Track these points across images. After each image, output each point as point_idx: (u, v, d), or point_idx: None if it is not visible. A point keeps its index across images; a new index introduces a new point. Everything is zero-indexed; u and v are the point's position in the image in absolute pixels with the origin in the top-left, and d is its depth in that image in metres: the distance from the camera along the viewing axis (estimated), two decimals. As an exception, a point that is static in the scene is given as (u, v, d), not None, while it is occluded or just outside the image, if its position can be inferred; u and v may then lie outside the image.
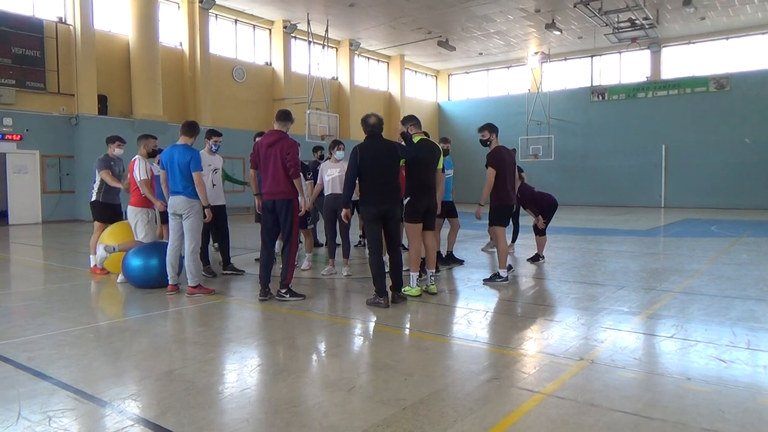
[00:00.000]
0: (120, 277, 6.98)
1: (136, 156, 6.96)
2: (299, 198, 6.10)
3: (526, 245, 10.04)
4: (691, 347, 4.24)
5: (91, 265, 7.76)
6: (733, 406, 3.14)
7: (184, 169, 6.08)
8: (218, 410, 3.12)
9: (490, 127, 6.98)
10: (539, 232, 8.61)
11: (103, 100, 18.20)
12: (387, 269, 5.89)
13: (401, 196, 6.07)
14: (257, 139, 7.50)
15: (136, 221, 6.89)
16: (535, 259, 8.59)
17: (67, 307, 5.73)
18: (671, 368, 3.79)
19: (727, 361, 3.89)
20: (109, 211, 7.70)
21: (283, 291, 5.94)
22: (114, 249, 6.91)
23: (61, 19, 17.54)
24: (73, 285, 7.06)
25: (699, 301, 5.82)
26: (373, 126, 5.81)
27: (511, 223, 8.67)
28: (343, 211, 6.04)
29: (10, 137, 16.36)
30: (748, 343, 4.30)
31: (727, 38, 24.61)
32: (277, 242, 6.48)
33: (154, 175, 7.08)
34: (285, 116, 6.09)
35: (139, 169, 6.79)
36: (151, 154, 7.15)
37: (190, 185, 6.11)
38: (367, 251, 6.40)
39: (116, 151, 7.72)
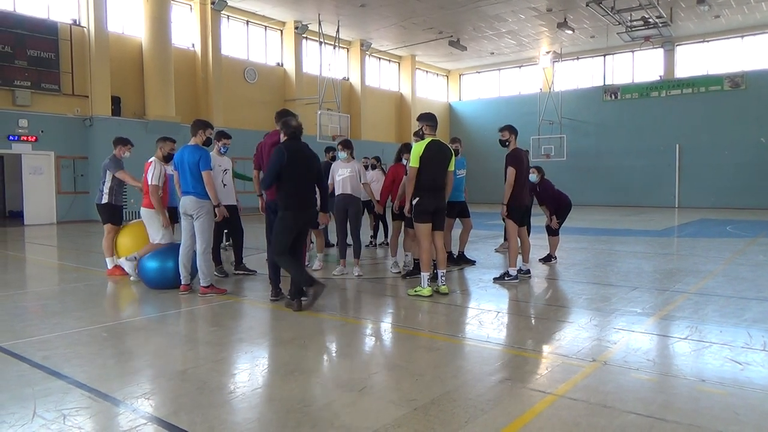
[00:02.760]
0: (133, 277, 7.02)
1: (152, 158, 6.92)
2: None
3: (538, 245, 9.98)
4: (706, 349, 4.19)
5: (108, 267, 7.75)
6: (748, 408, 3.10)
7: (193, 168, 6.11)
8: (230, 409, 3.13)
9: (510, 129, 7.13)
10: (552, 232, 8.58)
11: (116, 102, 18.39)
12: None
13: (317, 202, 5.91)
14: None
15: (150, 223, 6.87)
16: (548, 259, 8.55)
17: (82, 307, 5.79)
18: (685, 370, 3.75)
19: (742, 363, 3.84)
20: (119, 213, 7.75)
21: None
22: (135, 257, 6.89)
23: (75, 21, 17.74)
24: (87, 285, 7.12)
25: (714, 303, 5.75)
26: (295, 129, 5.62)
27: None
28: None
29: (25, 138, 16.58)
30: (764, 345, 4.25)
31: (741, 36, 24.33)
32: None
33: (168, 179, 7.00)
34: (279, 116, 5.89)
35: (153, 174, 6.74)
36: (167, 158, 6.99)
37: (200, 185, 6.14)
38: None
39: (126, 154, 7.73)
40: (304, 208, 5.58)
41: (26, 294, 6.78)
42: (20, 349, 4.26)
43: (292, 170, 5.43)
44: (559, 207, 8.60)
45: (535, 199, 8.65)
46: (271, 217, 6.01)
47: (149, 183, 6.73)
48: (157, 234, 6.85)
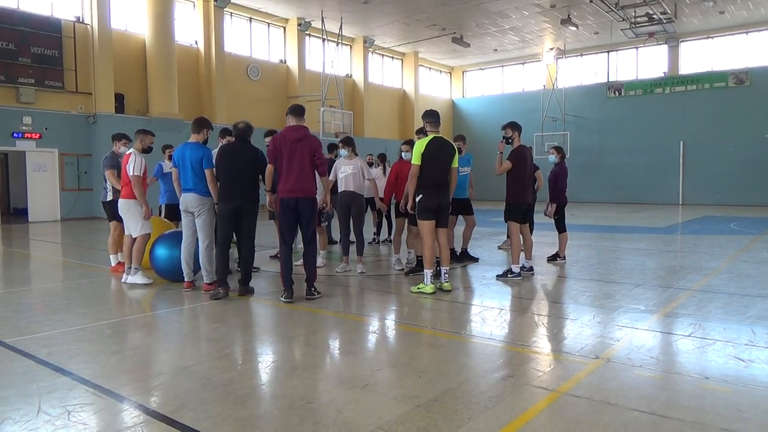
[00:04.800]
0: (124, 277, 6.84)
1: (131, 150, 6.76)
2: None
3: (541, 243, 9.96)
4: (710, 346, 4.18)
5: (112, 264, 7.75)
6: (752, 406, 3.10)
7: (196, 166, 6.12)
8: (234, 406, 3.14)
9: (513, 125, 7.05)
10: (560, 229, 8.34)
11: (119, 99, 18.41)
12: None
13: (256, 194, 6.23)
14: (266, 136, 7.47)
15: (129, 215, 6.66)
16: (554, 258, 8.41)
17: (86, 304, 5.81)
18: (689, 367, 3.75)
19: (746, 361, 3.83)
20: None
21: (313, 289, 5.95)
22: (136, 268, 6.72)
23: (78, 18, 17.76)
24: (91, 281, 7.15)
25: (718, 300, 5.74)
26: (238, 131, 6.28)
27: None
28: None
29: (29, 136, 16.61)
30: None
31: (746, 32, 24.20)
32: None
33: (146, 173, 6.86)
34: (303, 111, 6.11)
35: (134, 165, 6.56)
36: (147, 151, 6.91)
37: (202, 183, 6.14)
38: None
39: (122, 149, 7.65)
40: (232, 200, 6.03)
41: (30, 291, 6.81)
42: (25, 345, 4.28)
43: (223, 168, 6.10)
44: (559, 198, 8.35)
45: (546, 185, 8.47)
46: (288, 215, 5.89)
47: (131, 174, 6.56)
48: (135, 227, 6.65)
